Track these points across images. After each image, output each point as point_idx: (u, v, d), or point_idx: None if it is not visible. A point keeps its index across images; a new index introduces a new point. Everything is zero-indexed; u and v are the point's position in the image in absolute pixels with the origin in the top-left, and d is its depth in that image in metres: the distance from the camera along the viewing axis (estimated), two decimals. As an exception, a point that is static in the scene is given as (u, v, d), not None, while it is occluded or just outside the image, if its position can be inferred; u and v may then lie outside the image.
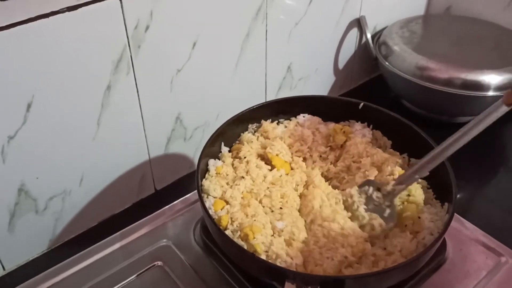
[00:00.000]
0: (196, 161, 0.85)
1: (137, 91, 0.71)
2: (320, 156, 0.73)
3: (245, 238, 0.59)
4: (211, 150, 0.70)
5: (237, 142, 0.75)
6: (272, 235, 0.60)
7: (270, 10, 0.82)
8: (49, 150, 0.66)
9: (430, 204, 0.65)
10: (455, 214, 0.72)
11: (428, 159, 0.63)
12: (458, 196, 0.80)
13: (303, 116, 0.77)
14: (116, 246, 0.69)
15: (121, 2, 0.63)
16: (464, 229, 0.72)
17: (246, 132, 0.76)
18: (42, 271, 0.67)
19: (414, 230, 0.62)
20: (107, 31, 0.63)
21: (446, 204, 0.63)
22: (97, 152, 0.71)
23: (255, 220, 0.60)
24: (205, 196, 0.65)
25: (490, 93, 0.90)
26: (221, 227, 0.60)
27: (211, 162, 0.69)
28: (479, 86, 0.90)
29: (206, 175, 0.68)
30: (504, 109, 0.57)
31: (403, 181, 0.65)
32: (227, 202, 0.64)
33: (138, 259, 0.67)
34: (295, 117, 0.77)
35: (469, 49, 0.99)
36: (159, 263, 0.67)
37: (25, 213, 0.67)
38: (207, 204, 0.62)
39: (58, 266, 0.67)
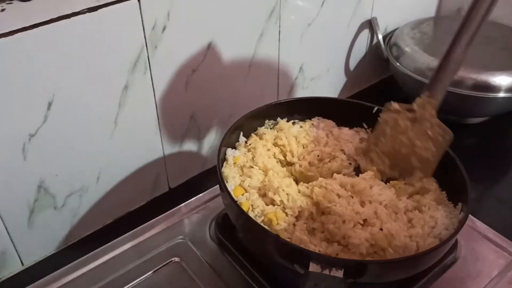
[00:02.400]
0: (209, 159, 0.87)
1: (153, 91, 0.72)
2: (334, 158, 0.74)
3: (268, 223, 0.59)
4: (230, 140, 0.71)
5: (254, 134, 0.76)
6: (294, 224, 0.61)
7: (283, 12, 0.83)
8: (68, 148, 0.67)
9: (443, 205, 0.66)
10: (470, 215, 0.73)
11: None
12: (471, 195, 0.81)
13: (318, 119, 0.78)
14: (134, 242, 0.70)
15: (139, 3, 0.64)
16: (475, 228, 0.73)
17: (263, 127, 0.77)
18: (60, 267, 0.68)
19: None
20: (125, 31, 0.65)
21: (459, 204, 0.63)
22: (114, 150, 0.73)
23: (278, 206, 0.61)
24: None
25: (501, 94, 0.90)
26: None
27: (229, 151, 0.70)
28: (489, 87, 0.90)
29: (224, 164, 0.69)
30: None
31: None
32: (245, 190, 0.65)
33: (155, 255, 0.68)
34: (310, 119, 0.78)
35: (479, 50, 1.00)
36: (176, 259, 0.68)
37: (44, 210, 0.69)
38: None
39: (76, 262, 0.68)
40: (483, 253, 0.69)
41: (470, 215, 0.73)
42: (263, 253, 0.61)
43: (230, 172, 0.67)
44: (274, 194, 0.63)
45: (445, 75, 0.65)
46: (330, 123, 0.78)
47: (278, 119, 0.77)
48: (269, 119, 0.77)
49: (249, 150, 0.71)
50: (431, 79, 0.66)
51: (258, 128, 0.76)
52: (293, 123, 0.78)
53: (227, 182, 0.66)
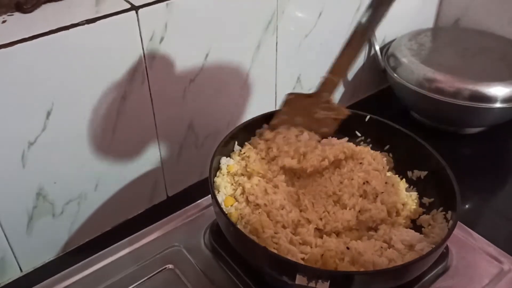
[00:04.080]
0: (207, 168, 0.88)
1: (151, 100, 0.74)
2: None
3: (255, 232, 0.60)
4: (224, 150, 0.72)
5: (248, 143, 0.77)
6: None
7: (280, 23, 0.84)
8: (66, 156, 0.68)
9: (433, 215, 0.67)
10: (462, 224, 0.74)
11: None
12: (467, 206, 0.82)
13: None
14: (129, 249, 0.71)
15: (137, 15, 0.65)
16: (469, 238, 0.73)
17: (256, 137, 0.77)
18: (57, 273, 0.68)
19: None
20: (123, 42, 0.66)
21: (449, 212, 0.64)
22: (112, 158, 0.74)
23: (259, 212, 0.63)
24: (216, 192, 0.67)
25: (497, 104, 0.91)
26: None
27: (223, 160, 0.71)
28: (486, 98, 0.91)
29: (218, 173, 0.70)
30: None
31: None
32: (236, 200, 0.66)
33: (150, 262, 0.69)
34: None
35: (476, 61, 1.01)
36: (170, 266, 0.69)
37: (42, 217, 0.70)
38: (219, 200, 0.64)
39: (72, 268, 0.69)
40: (475, 262, 0.69)
41: (463, 224, 0.73)
42: (253, 264, 0.62)
43: (222, 182, 0.68)
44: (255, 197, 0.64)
45: (348, 52, 0.71)
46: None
47: None
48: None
49: (243, 159, 0.72)
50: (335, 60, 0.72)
51: (252, 138, 0.77)
52: None
53: (218, 192, 0.67)
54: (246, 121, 0.75)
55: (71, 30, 0.61)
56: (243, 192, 0.66)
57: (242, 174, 0.69)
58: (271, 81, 0.91)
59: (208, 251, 0.71)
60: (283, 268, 0.56)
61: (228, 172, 0.70)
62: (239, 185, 0.67)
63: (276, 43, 0.86)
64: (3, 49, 0.56)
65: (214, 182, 0.68)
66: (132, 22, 0.66)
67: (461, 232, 0.73)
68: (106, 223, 0.79)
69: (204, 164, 0.87)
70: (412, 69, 0.97)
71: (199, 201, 0.79)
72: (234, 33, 0.79)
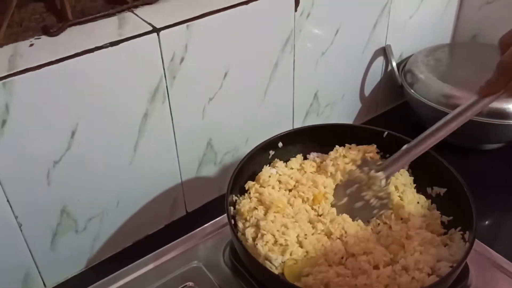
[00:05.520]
0: (225, 184, 0.89)
1: (172, 119, 0.75)
2: None
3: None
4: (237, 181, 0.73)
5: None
6: None
7: (297, 41, 0.85)
8: (90, 174, 0.70)
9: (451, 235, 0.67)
10: (481, 243, 0.73)
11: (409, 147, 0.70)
12: (486, 223, 0.82)
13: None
14: (150, 266, 0.72)
15: (158, 37, 0.67)
16: (488, 256, 0.72)
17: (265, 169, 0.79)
18: (80, 289, 0.70)
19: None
20: (145, 63, 0.68)
21: (467, 232, 0.64)
22: (134, 175, 0.75)
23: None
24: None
25: (516, 121, 0.90)
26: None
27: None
28: (504, 114, 0.90)
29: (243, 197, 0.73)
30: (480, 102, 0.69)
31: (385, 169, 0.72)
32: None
33: (171, 279, 0.70)
34: (320, 146, 0.81)
35: (493, 77, 1.00)
36: (190, 283, 0.69)
37: (66, 233, 0.72)
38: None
39: (95, 285, 0.70)
40: (494, 281, 0.68)
41: (482, 243, 0.73)
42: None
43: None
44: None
45: (402, 161, 0.72)
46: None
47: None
48: (273, 149, 0.79)
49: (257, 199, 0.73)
50: (390, 161, 0.73)
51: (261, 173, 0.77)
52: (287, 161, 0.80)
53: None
54: (252, 150, 0.76)
55: (95, 52, 0.62)
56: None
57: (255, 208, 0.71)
58: (289, 98, 0.92)
59: (228, 268, 0.71)
60: None
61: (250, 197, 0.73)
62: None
63: (294, 60, 0.87)
64: (31, 72, 0.58)
65: (230, 207, 0.69)
66: (154, 44, 0.67)
67: (481, 250, 0.73)
68: (127, 239, 0.81)
69: (223, 180, 0.89)
70: (429, 85, 0.97)
71: (218, 218, 0.80)
72: (252, 52, 0.80)
